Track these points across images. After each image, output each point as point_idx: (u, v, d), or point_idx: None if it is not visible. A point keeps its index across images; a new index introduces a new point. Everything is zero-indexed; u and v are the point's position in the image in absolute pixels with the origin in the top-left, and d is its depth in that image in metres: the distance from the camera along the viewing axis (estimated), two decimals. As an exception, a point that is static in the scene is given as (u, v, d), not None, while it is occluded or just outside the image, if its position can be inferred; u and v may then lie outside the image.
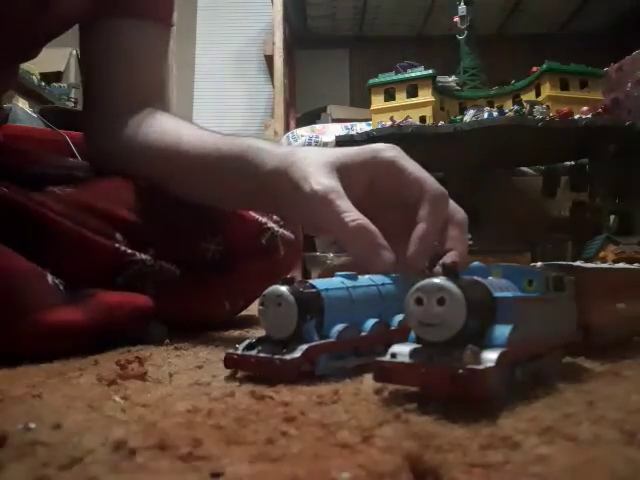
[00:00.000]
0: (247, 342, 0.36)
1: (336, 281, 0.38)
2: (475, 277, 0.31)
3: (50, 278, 0.47)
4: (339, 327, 0.35)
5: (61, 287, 0.48)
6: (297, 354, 0.33)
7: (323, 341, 0.35)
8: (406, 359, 0.28)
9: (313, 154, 0.47)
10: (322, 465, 0.20)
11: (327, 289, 0.36)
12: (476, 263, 0.34)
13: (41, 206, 0.50)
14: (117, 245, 0.54)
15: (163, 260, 0.56)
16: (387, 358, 0.29)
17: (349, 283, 0.38)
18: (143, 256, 0.55)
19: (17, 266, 0.45)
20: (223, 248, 0.60)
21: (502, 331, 0.29)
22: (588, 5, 2.85)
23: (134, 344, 0.49)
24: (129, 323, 0.50)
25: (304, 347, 0.33)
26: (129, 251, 0.54)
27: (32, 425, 0.24)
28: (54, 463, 0.20)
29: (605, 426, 0.24)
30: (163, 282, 0.55)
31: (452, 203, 0.47)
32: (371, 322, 0.37)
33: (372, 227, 0.42)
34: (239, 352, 0.35)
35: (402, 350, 0.29)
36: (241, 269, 0.62)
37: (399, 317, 0.39)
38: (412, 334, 0.30)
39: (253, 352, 0.35)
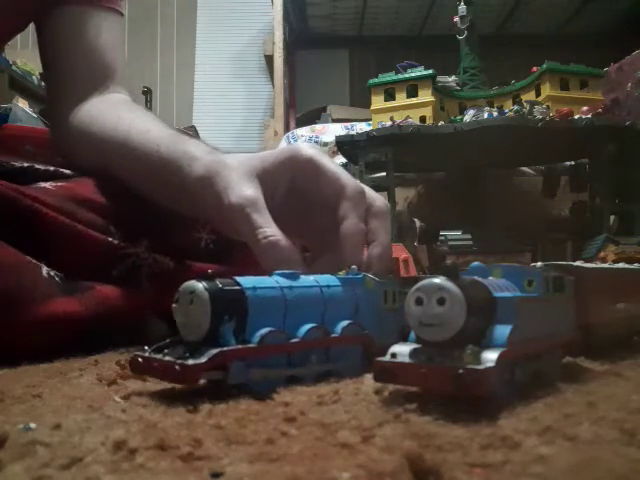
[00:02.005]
0: (158, 344, 0.32)
1: (269, 280, 0.34)
2: (475, 277, 0.31)
3: (45, 270, 0.47)
4: (262, 331, 0.31)
5: (57, 278, 0.48)
6: (202, 360, 0.29)
7: (238, 346, 0.30)
8: (406, 359, 0.28)
9: (237, 162, 0.47)
10: (322, 465, 0.20)
11: (255, 288, 0.32)
12: (476, 263, 0.34)
13: (34, 201, 0.50)
14: (111, 239, 0.54)
15: (157, 252, 0.56)
16: (387, 358, 0.29)
17: (285, 283, 0.34)
18: (137, 249, 0.55)
19: (10, 259, 0.45)
20: (217, 237, 0.61)
21: (502, 331, 0.29)
22: (588, 5, 2.85)
23: (134, 344, 0.49)
24: (127, 316, 0.50)
25: (212, 352, 0.29)
26: (123, 244, 0.54)
27: (32, 425, 0.24)
28: (54, 463, 0.20)
29: (605, 426, 0.24)
30: (157, 275, 0.56)
31: (370, 193, 0.48)
32: (306, 327, 0.33)
33: (283, 243, 0.42)
34: (146, 355, 0.31)
35: (402, 350, 0.29)
36: (239, 260, 0.62)
37: (344, 323, 0.36)
38: (412, 334, 0.30)
39: (159, 355, 0.30)
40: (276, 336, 0.32)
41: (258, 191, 0.45)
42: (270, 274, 0.35)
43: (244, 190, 0.44)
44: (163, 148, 0.53)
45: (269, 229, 0.43)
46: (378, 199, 0.48)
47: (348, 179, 0.46)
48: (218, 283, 0.31)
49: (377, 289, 0.39)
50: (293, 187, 0.48)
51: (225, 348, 0.30)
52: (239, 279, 0.33)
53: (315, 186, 0.47)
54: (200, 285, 0.31)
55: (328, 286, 0.37)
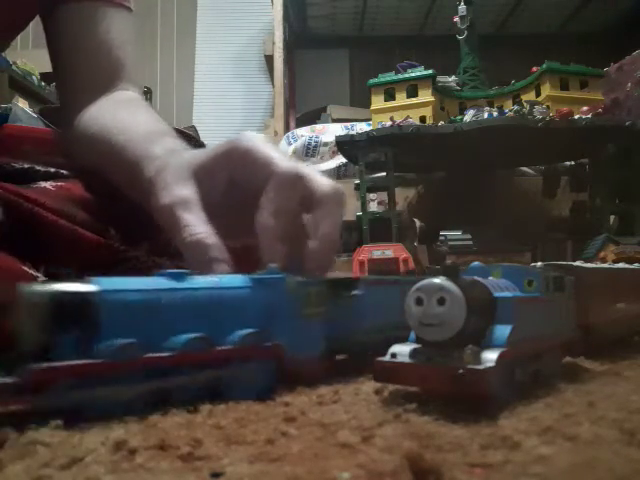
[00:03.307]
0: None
1: (145, 281, 0.29)
2: (475, 277, 0.31)
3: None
4: (109, 344, 0.26)
5: None
6: (8, 380, 0.24)
7: (69, 362, 0.25)
8: (406, 359, 0.28)
9: (178, 161, 0.46)
10: (322, 465, 0.20)
11: (116, 291, 0.27)
12: (476, 263, 0.34)
13: (35, 204, 0.50)
14: (111, 242, 0.54)
15: (157, 255, 0.56)
16: (387, 358, 0.29)
17: (165, 285, 0.29)
18: (137, 252, 0.55)
19: (8, 268, 0.45)
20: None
21: (502, 331, 0.29)
22: (588, 5, 2.85)
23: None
24: None
25: (28, 370, 0.24)
26: (123, 247, 0.54)
27: (32, 425, 0.24)
28: (54, 463, 0.20)
29: (605, 426, 0.24)
30: None
31: (315, 179, 0.42)
32: (181, 338, 0.28)
33: (209, 241, 0.40)
34: None
35: (402, 350, 0.29)
36: (241, 260, 0.62)
37: (244, 332, 0.30)
38: (412, 334, 0.30)
39: None
40: (127, 349, 0.26)
41: (192, 190, 0.43)
42: (155, 274, 0.31)
43: (176, 190, 0.43)
44: (137, 152, 0.51)
45: (196, 227, 0.41)
46: (325, 185, 0.42)
47: (282, 165, 0.41)
48: (56, 286, 0.26)
49: (297, 291, 0.34)
50: (234, 181, 0.45)
51: (45, 365, 0.24)
52: (100, 280, 0.28)
53: (253, 177, 0.44)
54: (34, 289, 0.26)
55: (229, 288, 0.32)
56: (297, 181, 0.41)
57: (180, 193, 0.43)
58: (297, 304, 0.33)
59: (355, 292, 0.37)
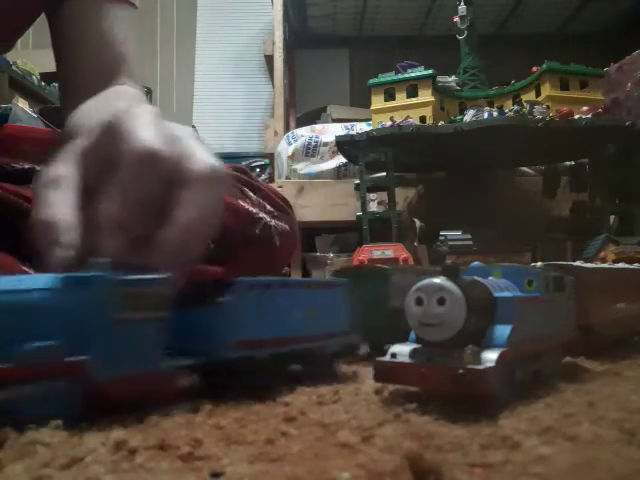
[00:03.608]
0: None
1: None
2: (475, 277, 0.31)
3: None
4: None
5: None
6: None
7: None
8: (406, 359, 0.28)
9: (76, 139, 0.41)
10: (322, 465, 0.20)
11: None
12: (476, 263, 0.34)
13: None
14: None
15: None
16: (387, 358, 0.29)
17: None
18: None
19: (8, 266, 0.45)
20: (216, 237, 0.60)
21: (502, 331, 0.29)
22: (588, 5, 2.85)
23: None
24: None
25: None
26: None
27: (32, 425, 0.24)
28: (54, 463, 0.20)
29: (605, 426, 0.24)
30: None
31: (193, 158, 0.36)
32: None
33: (59, 223, 0.34)
34: None
35: (402, 350, 0.29)
36: (237, 260, 0.62)
37: (31, 346, 0.24)
38: (412, 334, 0.30)
39: None
40: None
41: (69, 169, 0.38)
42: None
43: (54, 168, 0.39)
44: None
45: (52, 207, 0.36)
46: (199, 163, 0.36)
47: (139, 140, 0.36)
48: None
49: (114, 292, 0.27)
50: (110, 159, 0.39)
51: None
52: None
53: (117, 155, 0.37)
54: None
55: (22, 292, 0.26)
56: (155, 159, 0.35)
57: (54, 171, 0.38)
58: (114, 308, 0.26)
59: (225, 297, 0.31)
